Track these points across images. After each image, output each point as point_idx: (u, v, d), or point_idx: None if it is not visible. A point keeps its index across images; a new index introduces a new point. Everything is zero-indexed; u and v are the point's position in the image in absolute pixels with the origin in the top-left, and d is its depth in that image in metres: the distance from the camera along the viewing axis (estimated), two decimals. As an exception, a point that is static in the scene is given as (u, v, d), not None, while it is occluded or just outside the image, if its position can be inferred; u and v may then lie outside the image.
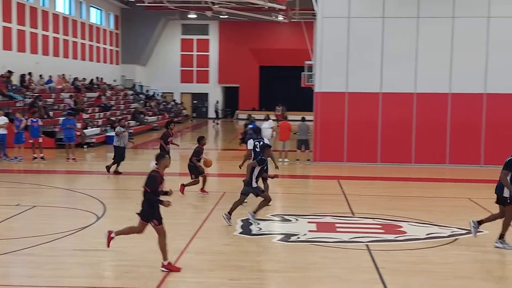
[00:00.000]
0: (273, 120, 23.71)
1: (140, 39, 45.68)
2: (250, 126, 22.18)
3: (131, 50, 45.39)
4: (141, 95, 44.44)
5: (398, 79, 20.56)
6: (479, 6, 20.19)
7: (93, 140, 26.76)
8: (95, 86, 37.42)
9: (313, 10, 21.91)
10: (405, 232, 11.12)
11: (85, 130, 26.77)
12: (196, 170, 14.49)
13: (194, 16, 42.43)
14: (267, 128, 22.34)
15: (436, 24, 20.36)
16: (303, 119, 21.91)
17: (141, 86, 47.15)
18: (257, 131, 14.60)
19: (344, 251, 9.84)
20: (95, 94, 35.37)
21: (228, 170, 19.42)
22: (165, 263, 8.45)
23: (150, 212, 8.50)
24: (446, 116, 20.44)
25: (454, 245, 10.28)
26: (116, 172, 18.06)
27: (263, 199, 11.58)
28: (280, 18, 39.49)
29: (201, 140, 14.59)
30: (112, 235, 8.90)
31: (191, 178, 14.60)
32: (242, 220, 11.75)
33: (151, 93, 47.26)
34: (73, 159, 20.92)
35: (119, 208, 13.06)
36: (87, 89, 35.43)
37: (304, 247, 10.01)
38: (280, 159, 21.11)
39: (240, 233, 10.88)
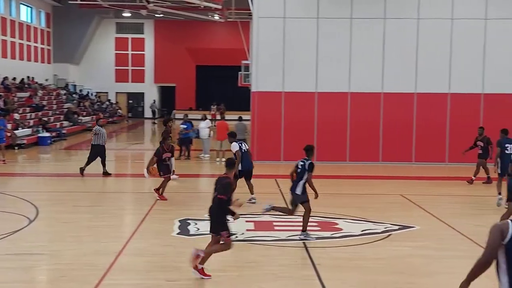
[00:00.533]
0: (210, 120, 23.70)
1: (73, 38, 44.60)
2: (184, 126, 22.09)
3: (64, 49, 44.26)
4: (74, 95, 43.42)
5: (333, 79, 20.92)
6: (409, 8, 20.79)
7: (24, 141, 25.97)
8: (26, 85, 36.28)
9: (249, 10, 22.02)
10: (341, 229, 11.33)
11: (16, 131, 25.93)
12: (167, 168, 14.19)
13: (129, 14, 41.81)
14: (204, 128, 22.32)
15: (369, 25, 20.84)
16: (240, 119, 21.98)
17: (75, 85, 46.05)
18: (233, 135, 14.18)
19: (281, 249, 9.95)
20: (26, 94, 34.29)
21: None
22: (200, 266, 8.16)
23: (221, 223, 8.17)
24: (379, 115, 20.96)
25: (388, 241, 10.56)
26: (106, 174, 17.61)
27: (305, 210, 10.63)
28: (216, 17, 39.45)
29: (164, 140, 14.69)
30: (200, 253, 8.18)
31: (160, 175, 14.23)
32: (179, 221, 11.67)
33: (84, 92, 46.25)
34: (3, 161, 20.24)
35: (52, 211, 12.72)
36: (17, 89, 34.30)
37: (242, 246, 10.05)
38: (218, 159, 21.11)
39: (178, 233, 10.81)
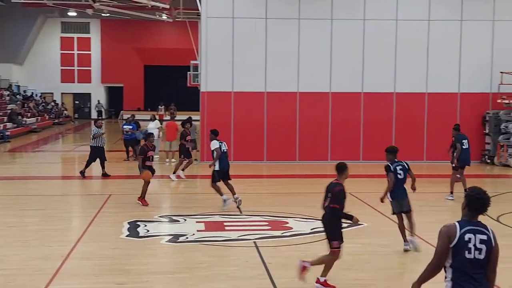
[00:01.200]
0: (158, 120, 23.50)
1: (16, 37, 43.40)
2: (129, 126, 21.80)
3: (7, 49, 43.01)
4: (18, 96, 42.27)
5: (282, 79, 21.07)
6: (356, 9, 21.13)
7: (-34, 144, 25.14)
8: (-33, 86, 35.12)
9: (198, 10, 21.92)
10: (291, 228, 11.42)
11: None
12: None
13: (74, 14, 41.00)
14: (153, 128, 22.07)
15: (317, 25, 21.07)
16: (189, 119, 21.84)
17: (18, 86, 44.81)
18: (214, 133, 13.83)
19: (232, 249, 9.96)
20: (-33, 95, 33.20)
21: (114, 171, 18.95)
22: (322, 279, 7.96)
23: (334, 232, 7.94)
24: (328, 114, 21.22)
25: (337, 238, 10.68)
26: (105, 175, 17.43)
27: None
28: (164, 17, 39.08)
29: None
30: (306, 264, 7.93)
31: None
32: (129, 223, 11.54)
33: (29, 93, 45.08)
34: None
35: (-4, 215, 12.37)
36: (-42, 90, 33.17)
37: (193, 247, 10.01)
38: (167, 160, 20.94)
39: (127, 236, 10.68)
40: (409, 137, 21.09)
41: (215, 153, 13.27)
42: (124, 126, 21.89)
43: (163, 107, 41.56)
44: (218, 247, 10.03)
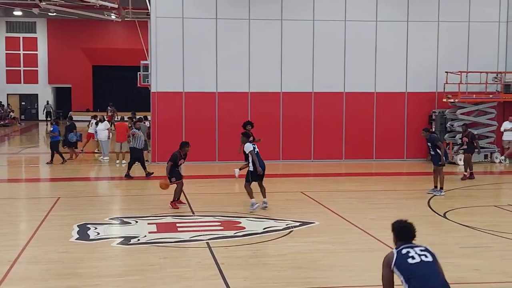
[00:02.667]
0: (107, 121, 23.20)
1: (-42, 37, 42.11)
2: (50, 128, 21.55)
3: (-52, 49, 41.69)
4: (-39, 97, 40.97)
5: (233, 79, 21.08)
6: (305, 9, 21.30)
7: None
8: None
9: (147, 9, 21.71)
10: (243, 228, 11.45)
11: None
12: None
13: (20, 13, 40.00)
14: (103, 129, 21.80)
15: (267, 26, 21.17)
16: (140, 120, 21.66)
17: (-39, 87, 43.49)
18: (246, 135, 13.61)
19: (185, 250, 9.91)
20: None
21: (61, 174, 18.60)
22: None
23: None
24: (279, 114, 21.34)
25: (289, 237, 10.79)
26: (127, 177, 17.53)
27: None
28: (113, 17, 38.57)
29: (183, 147, 13.69)
30: None
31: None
32: (78, 226, 11.34)
33: (-27, 95, 43.77)
34: None
35: None
36: None
37: (144, 249, 9.92)
38: (118, 161, 20.67)
39: (77, 239, 10.50)
40: (358, 136, 21.44)
41: (250, 156, 13.01)
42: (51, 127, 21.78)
43: (110, 108, 40.88)
44: (170, 248, 9.97)
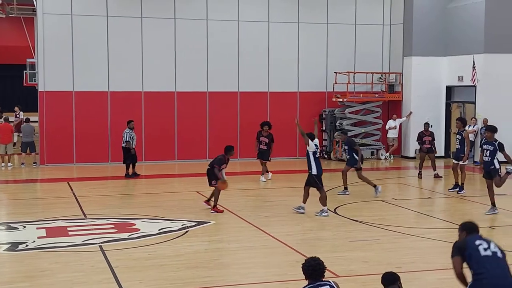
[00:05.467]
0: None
1: None
2: None
3: None
4: None
5: (125, 78, 20.68)
6: (199, 9, 21.26)
7: None
8: None
9: (33, 5, 20.82)
10: (138, 230, 11.29)
11: None
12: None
13: None
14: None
15: (160, 24, 20.94)
16: (27, 120, 20.75)
17: None
18: (311, 136, 12.72)
19: (77, 254, 9.62)
20: None
21: None
22: None
23: None
24: (174, 114, 21.18)
25: (185, 237, 10.76)
26: (128, 175, 17.60)
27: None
28: (-4, 12, 36.58)
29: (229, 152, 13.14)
30: None
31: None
32: (-40, 233, 10.69)
33: None
34: None
35: None
36: None
37: (34, 255, 9.53)
38: (3, 164, 19.65)
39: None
40: (253, 136, 21.68)
41: (312, 157, 12.39)
42: None
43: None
44: (61, 253, 9.64)
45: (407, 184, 17.53)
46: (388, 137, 22.07)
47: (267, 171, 17.33)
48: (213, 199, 12.90)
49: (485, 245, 5.42)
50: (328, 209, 12.45)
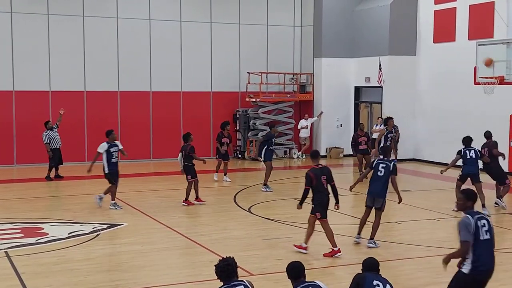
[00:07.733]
0: None
1: None
2: None
3: None
4: None
5: (32, 77, 19.92)
6: (108, 7, 20.79)
7: None
8: None
9: None
10: (46, 234, 10.91)
11: None
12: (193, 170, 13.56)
13: None
14: None
15: (68, 22, 20.31)
16: None
17: None
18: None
19: (-21, 261, 9.17)
20: None
21: None
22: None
23: None
24: (83, 114, 20.59)
25: (96, 240, 10.51)
26: (48, 178, 17.11)
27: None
28: None
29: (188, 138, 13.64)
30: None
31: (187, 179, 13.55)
32: None
33: None
34: None
35: None
36: None
37: None
38: None
39: None
40: (166, 136, 21.49)
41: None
42: None
43: None
44: (-38, 261, 9.16)
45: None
46: (300, 136, 22.50)
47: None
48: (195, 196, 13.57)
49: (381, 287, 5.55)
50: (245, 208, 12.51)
